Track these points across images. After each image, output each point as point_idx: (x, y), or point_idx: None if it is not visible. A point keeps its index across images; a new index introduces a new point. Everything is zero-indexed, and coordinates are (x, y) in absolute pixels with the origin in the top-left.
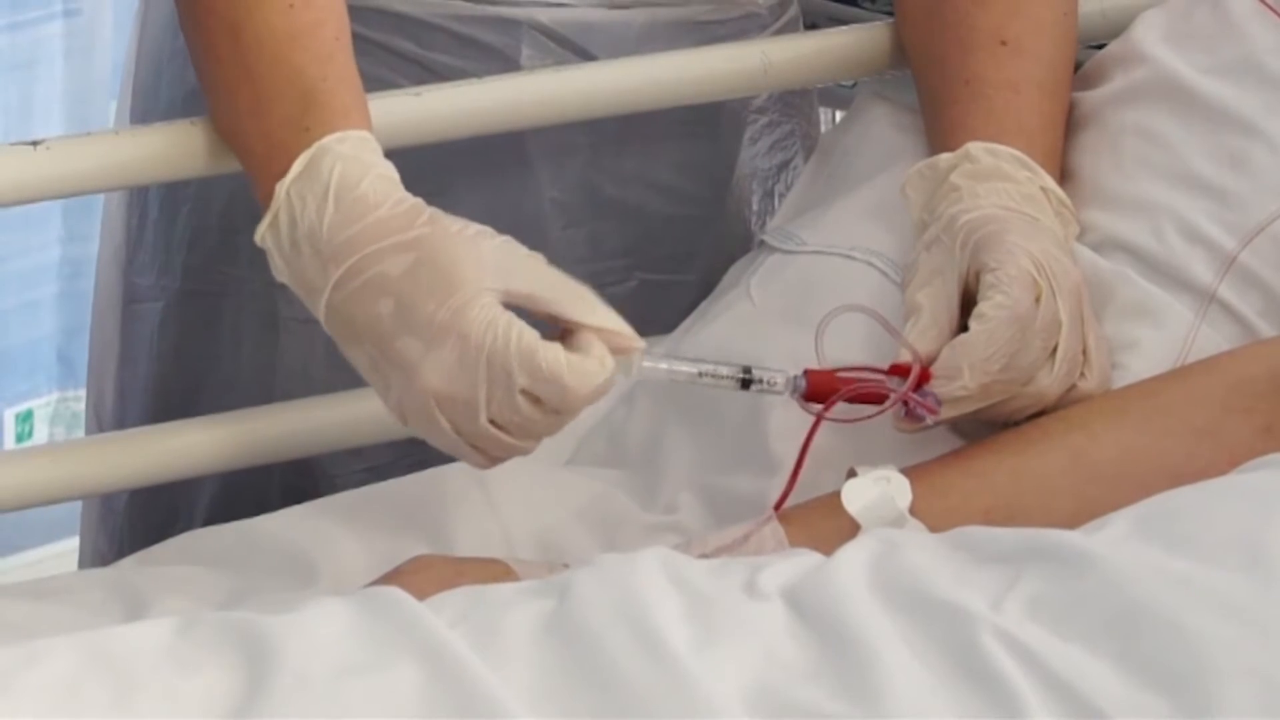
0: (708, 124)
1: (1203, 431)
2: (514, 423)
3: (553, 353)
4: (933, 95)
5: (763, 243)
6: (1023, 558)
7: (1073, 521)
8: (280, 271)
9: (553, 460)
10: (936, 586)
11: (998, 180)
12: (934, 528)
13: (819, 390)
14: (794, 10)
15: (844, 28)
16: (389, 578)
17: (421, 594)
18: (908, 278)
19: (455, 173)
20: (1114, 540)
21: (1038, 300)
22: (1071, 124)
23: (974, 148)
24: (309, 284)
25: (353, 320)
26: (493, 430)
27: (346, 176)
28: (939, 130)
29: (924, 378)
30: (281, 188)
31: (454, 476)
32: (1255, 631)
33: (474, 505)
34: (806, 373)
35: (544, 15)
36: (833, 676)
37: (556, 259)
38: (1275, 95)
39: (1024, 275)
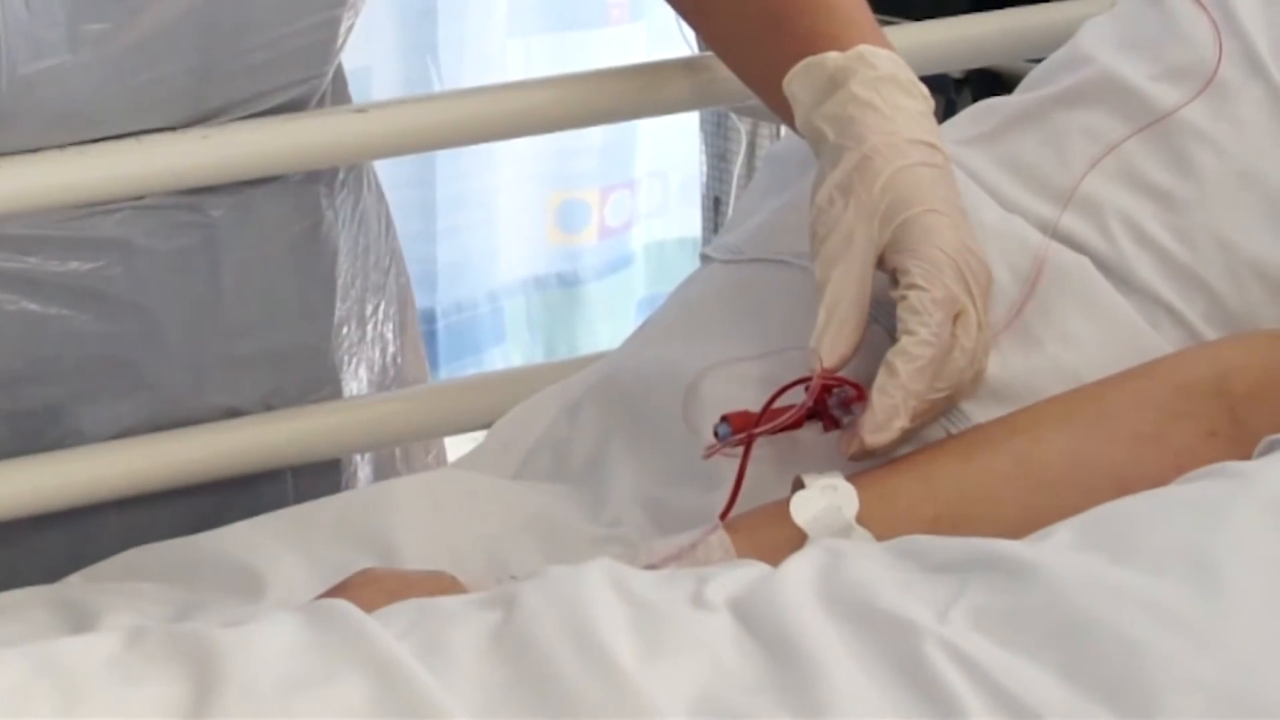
0: None
1: (1147, 437)
2: None
3: None
4: (757, 22)
5: (705, 256)
6: (968, 568)
7: (1019, 528)
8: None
9: (498, 474)
10: (882, 597)
11: (898, 94)
12: (881, 536)
13: (741, 427)
14: None
15: None
16: (336, 591)
17: (369, 606)
18: (818, 230)
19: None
20: (1058, 550)
21: (958, 318)
22: (1015, 122)
23: (865, 50)
24: None
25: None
26: None
27: None
28: (780, 50)
29: (827, 388)
30: None
31: (401, 490)
32: (1198, 642)
33: (421, 518)
34: (724, 418)
35: None
36: (779, 688)
37: None
38: (1221, 99)
39: (948, 299)
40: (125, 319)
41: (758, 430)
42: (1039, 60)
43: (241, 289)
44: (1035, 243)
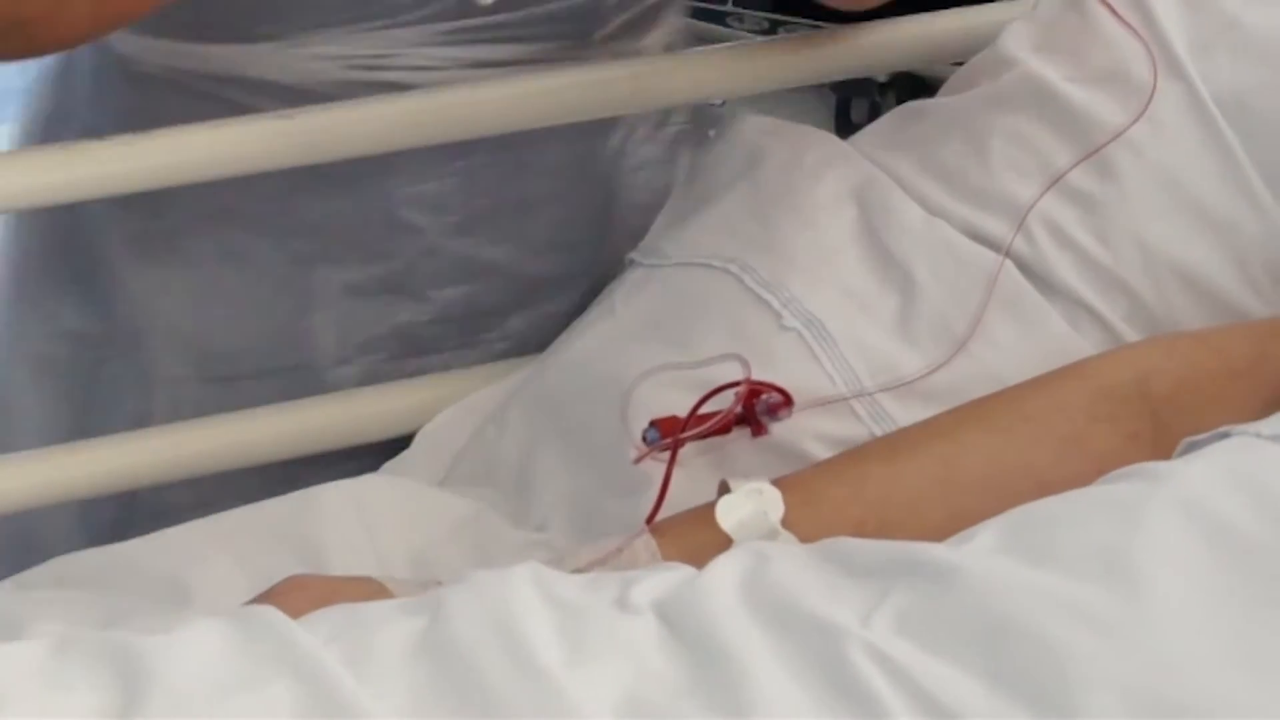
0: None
1: (1069, 439)
2: None
3: None
4: None
5: (631, 260)
6: (892, 571)
7: (943, 531)
8: None
9: (425, 480)
10: (807, 601)
11: None
12: (806, 539)
13: (669, 432)
14: None
15: (711, 47)
16: (264, 597)
17: (296, 613)
18: None
19: (328, 236)
20: (980, 553)
21: None
22: (937, 125)
23: None
24: None
25: None
26: None
27: None
28: None
29: (755, 393)
30: None
31: (327, 496)
32: (1117, 643)
33: (348, 524)
34: (653, 423)
35: (422, 79)
36: (703, 692)
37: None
38: (1141, 102)
39: None
40: None
41: (684, 435)
42: (962, 63)
43: None
44: (959, 246)
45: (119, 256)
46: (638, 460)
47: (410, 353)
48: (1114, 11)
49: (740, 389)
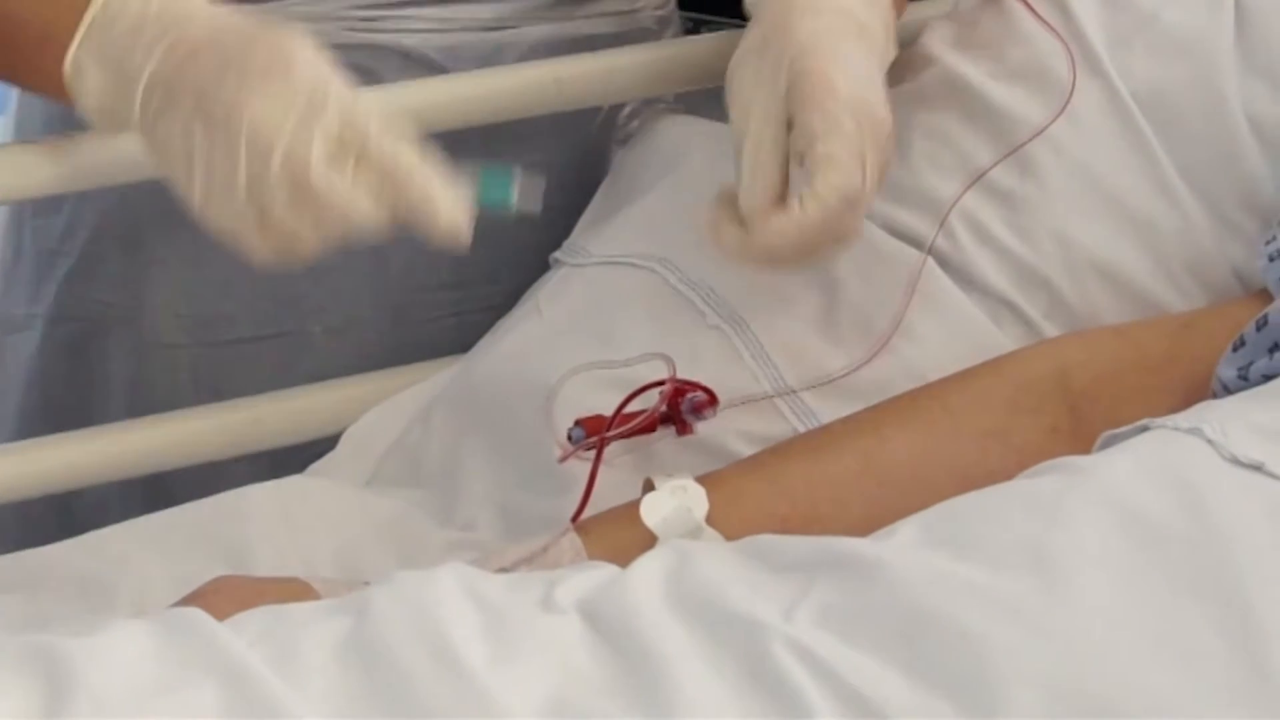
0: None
1: (991, 433)
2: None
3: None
4: None
5: (556, 259)
6: (814, 566)
7: (866, 525)
8: (93, 97)
9: (351, 480)
10: (729, 597)
11: None
12: (731, 536)
13: (594, 431)
14: (676, 25)
15: (637, 46)
16: (189, 599)
17: (221, 614)
18: (733, 87)
19: None
20: (902, 547)
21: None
22: None
23: None
24: (131, 70)
25: (175, 84)
26: (304, 172)
27: None
28: None
29: (680, 392)
30: None
31: (254, 498)
32: (1039, 636)
33: (273, 525)
34: (578, 422)
35: (411, 40)
36: (628, 690)
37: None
38: (1058, 98)
39: (854, 153)
40: None
41: (609, 434)
42: None
43: None
44: (880, 243)
45: (110, 229)
46: (563, 459)
47: (399, 324)
48: (1032, 10)
49: (665, 388)
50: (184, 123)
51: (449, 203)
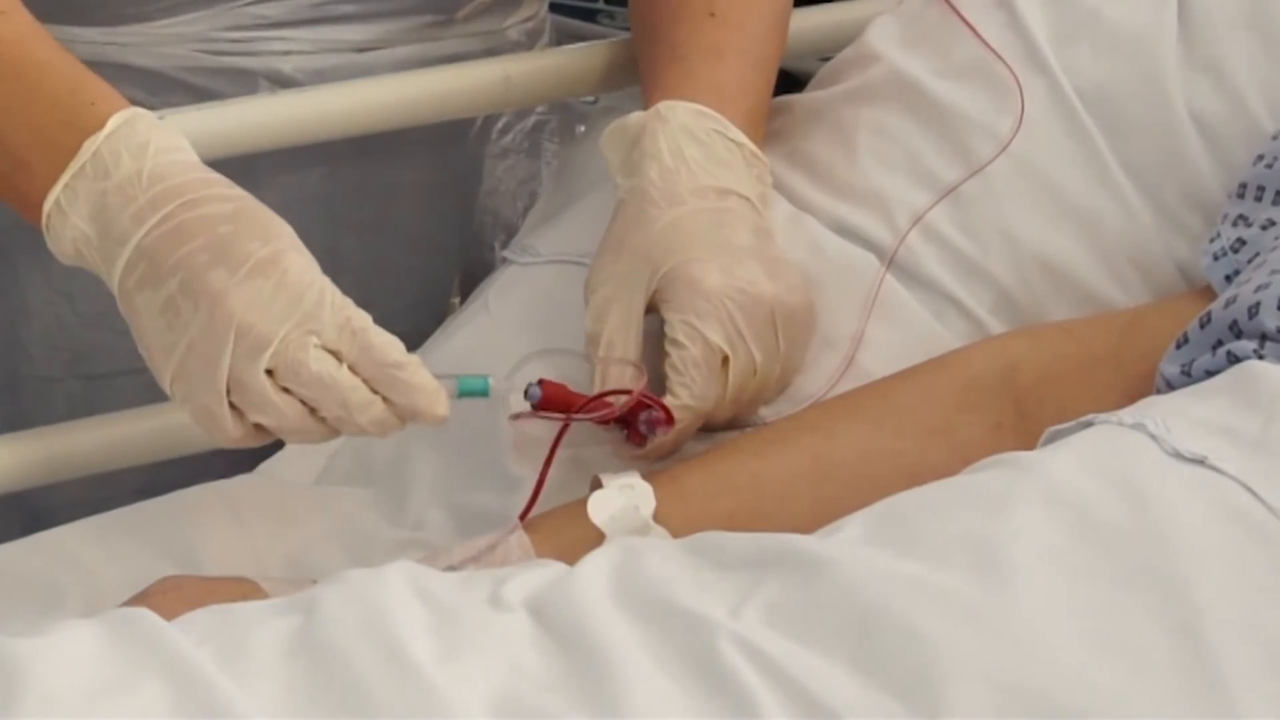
0: (449, 167)
1: (936, 430)
2: (308, 378)
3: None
4: (647, 65)
5: (504, 259)
6: (761, 563)
7: (813, 523)
8: (68, 241)
9: (300, 479)
10: (677, 594)
11: (688, 144)
12: (678, 533)
13: (552, 399)
14: (546, 39)
15: (583, 44)
16: (138, 599)
17: (170, 614)
18: (592, 283)
19: None
20: (848, 544)
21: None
22: (805, 119)
23: (663, 106)
24: (117, 234)
25: (161, 260)
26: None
27: (164, 139)
28: (646, 96)
29: (643, 404)
30: (92, 144)
31: (202, 497)
32: (983, 631)
33: (222, 525)
34: (541, 382)
35: (285, 64)
36: (575, 687)
37: None
38: (1004, 95)
39: (707, 356)
40: None
41: (575, 415)
42: (829, 58)
43: None
44: (826, 245)
45: None
46: (514, 417)
47: None
48: (972, 29)
49: (632, 397)
50: (166, 300)
51: (437, 405)
